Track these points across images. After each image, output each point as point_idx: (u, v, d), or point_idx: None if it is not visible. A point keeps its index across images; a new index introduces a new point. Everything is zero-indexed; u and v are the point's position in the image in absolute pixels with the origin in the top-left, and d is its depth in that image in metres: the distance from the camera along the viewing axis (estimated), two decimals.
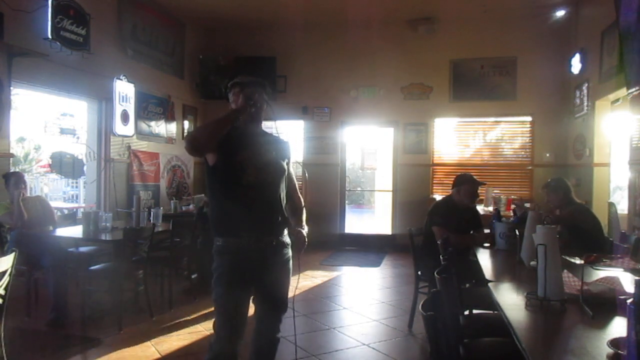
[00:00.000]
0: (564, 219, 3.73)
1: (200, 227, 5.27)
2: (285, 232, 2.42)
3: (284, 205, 2.38)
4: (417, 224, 4.37)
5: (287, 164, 2.44)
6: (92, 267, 4.12)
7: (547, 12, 7.02)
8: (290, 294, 2.47)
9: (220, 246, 2.31)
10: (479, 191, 3.99)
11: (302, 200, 2.57)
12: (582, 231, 3.64)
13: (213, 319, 2.35)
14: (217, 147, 2.24)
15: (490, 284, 2.45)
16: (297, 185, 2.56)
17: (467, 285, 3.54)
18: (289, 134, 7.83)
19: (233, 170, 2.26)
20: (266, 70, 7.56)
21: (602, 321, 1.81)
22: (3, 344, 2.53)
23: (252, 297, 2.41)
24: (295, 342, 2.92)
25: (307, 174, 2.50)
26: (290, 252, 2.42)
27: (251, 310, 2.40)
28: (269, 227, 2.32)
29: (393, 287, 5.60)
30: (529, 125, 7.60)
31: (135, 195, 4.64)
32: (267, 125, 2.50)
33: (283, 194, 2.39)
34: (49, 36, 4.91)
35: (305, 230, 2.46)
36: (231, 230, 2.28)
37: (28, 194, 4.29)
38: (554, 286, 1.97)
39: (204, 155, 2.29)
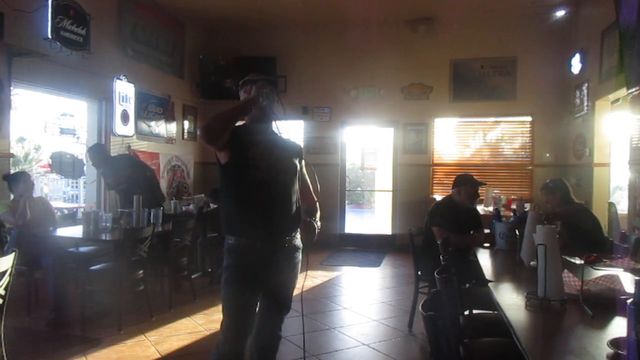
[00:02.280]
0: (563, 215, 3.72)
1: (201, 227, 5.28)
2: (298, 234, 2.41)
3: (296, 205, 2.37)
4: (417, 224, 4.37)
5: (300, 162, 2.44)
6: (92, 267, 4.11)
7: (547, 12, 7.02)
8: (297, 292, 2.48)
9: (232, 245, 2.29)
10: (479, 192, 3.99)
11: (316, 200, 2.56)
12: (582, 231, 3.64)
13: (214, 318, 2.35)
14: (228, 145, 2.23)
15: (490, 284, 2.45)
16: (310, 186, 2.55)
17: (467, 285, 3.54)
18: (291, 134, 7.83)
19: (245, 167, 2.25)
20: (266, 70, 7.55)
21: (602, 321, 1.81)
22: (3, 344, 2.53)
23: None
24: (303, 343, 2.92)
25: (315, 175, 2.48)
26: (300, 256, 2.42)
27: None
28: (280, 227, 2.31)
29: (393, 287, 5.60)
30: (529, 125, 7.60)
31: (135, 195, 4.63)
32: (277, 127, 2.47)
33: (296, 194, 2.38)
34: (49, 36, 4.91)
35: (317, 223, 2.45)
36: (243, 230, 2.27)
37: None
38: (554, 286, 1.97)
39: (218, 144, 2.23)
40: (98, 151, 5.22)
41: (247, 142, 2.28)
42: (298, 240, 2.41)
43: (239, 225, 2.29)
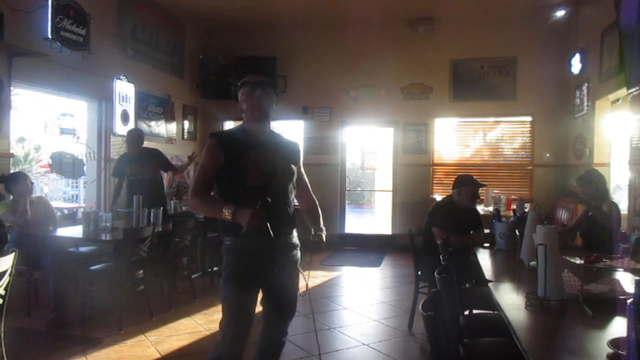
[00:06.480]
0: (607, 216, 3.65)
1: (201, 227, 5.28)
2: (295, 233, 2.41)
3: (292, 207, 2.38)
4: (417, 224, 4.37)
5: (298, 166, 2.44)
6: (92, 267, 4.12)
7: (547, 12, 7.02)
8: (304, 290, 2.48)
9: (229, 246, 2.30)
10: (479, 192, 3.99)
11: (315, 199, 2.56)
12: (601, 227, 3.61)
13: (214, 318, 2.35)
14: (222, 150, 2.26)
15: (490, 284, 2.45)
16: (309, 186, 2.56)
17: (467, 285, 3.54)
18: (289, 134, 7.84)
19: (239, 173, 2.25)
20: (266, 70, 7.55)
21: (602, 321, 1.81)
22: (3, 344, 2.53)
23: (260, 299, 2.41)
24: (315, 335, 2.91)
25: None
26: (299, 254, 2.41)
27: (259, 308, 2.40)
28: (276, 230, 2.26)
29: (393, 287, 5.60)
30: (529, 125, 7.60)
31: (135, 195, 4.63)
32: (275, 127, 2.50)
33: (292, 195, 2.38)
34: (49, 36, 4.90)
35: (324, 234, 2.46)
36: (238, 232, 2.23)
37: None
38: (554, 286, 1.97)
39: None
40: (138, 135, 5.43)
41: (242, 147, 2.27)
42: (295, 238, 2.41)
43: (234, 228, 2.24)
